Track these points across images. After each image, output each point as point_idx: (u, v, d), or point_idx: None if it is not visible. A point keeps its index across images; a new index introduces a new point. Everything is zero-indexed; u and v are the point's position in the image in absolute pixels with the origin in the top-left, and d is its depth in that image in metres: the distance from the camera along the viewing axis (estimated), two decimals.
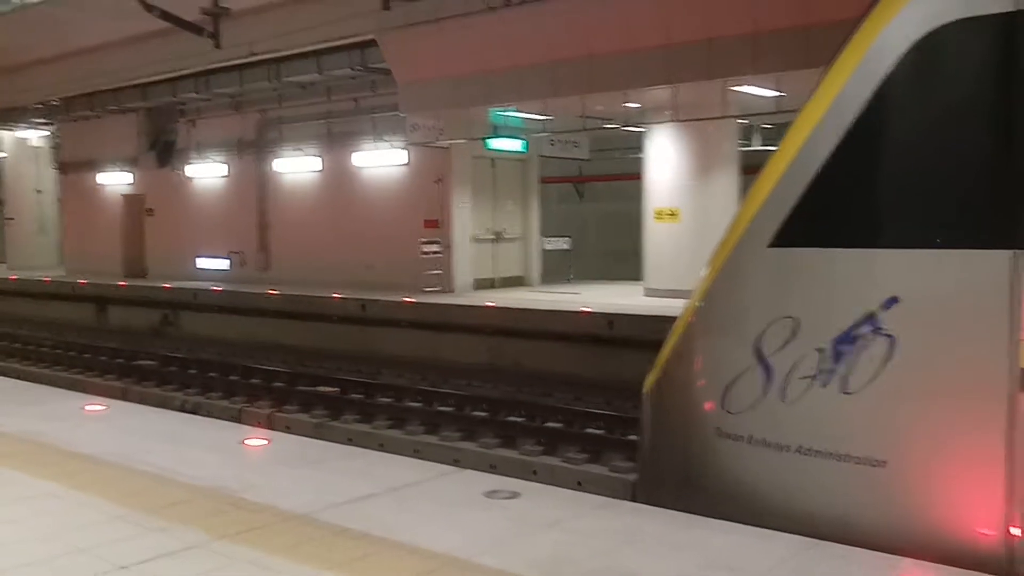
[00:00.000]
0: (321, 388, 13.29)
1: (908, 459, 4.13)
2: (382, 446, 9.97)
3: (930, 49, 4.04)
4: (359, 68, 17.61)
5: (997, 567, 3.86)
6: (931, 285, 4.04)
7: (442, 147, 17.49)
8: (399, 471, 5.25)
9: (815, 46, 10.26)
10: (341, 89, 19.25)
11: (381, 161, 18.93)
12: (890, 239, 4.25)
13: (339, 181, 19.89)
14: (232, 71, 19.76)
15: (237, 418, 11.69)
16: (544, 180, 20.76)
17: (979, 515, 3.94)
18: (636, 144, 17.17)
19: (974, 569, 3.70)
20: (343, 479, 5.03)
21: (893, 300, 4.10)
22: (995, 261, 3.84)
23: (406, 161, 18.49)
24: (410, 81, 16.13)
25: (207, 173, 22.72)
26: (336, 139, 19.79)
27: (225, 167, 22.29)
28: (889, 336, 4.10)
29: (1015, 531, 3.82)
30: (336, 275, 19.19)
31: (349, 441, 9.72)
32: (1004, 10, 3.82)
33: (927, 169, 4.15)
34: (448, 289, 17.68)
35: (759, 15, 11.58)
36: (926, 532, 4.05)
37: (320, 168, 20.24)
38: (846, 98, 4.27)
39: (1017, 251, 3.78)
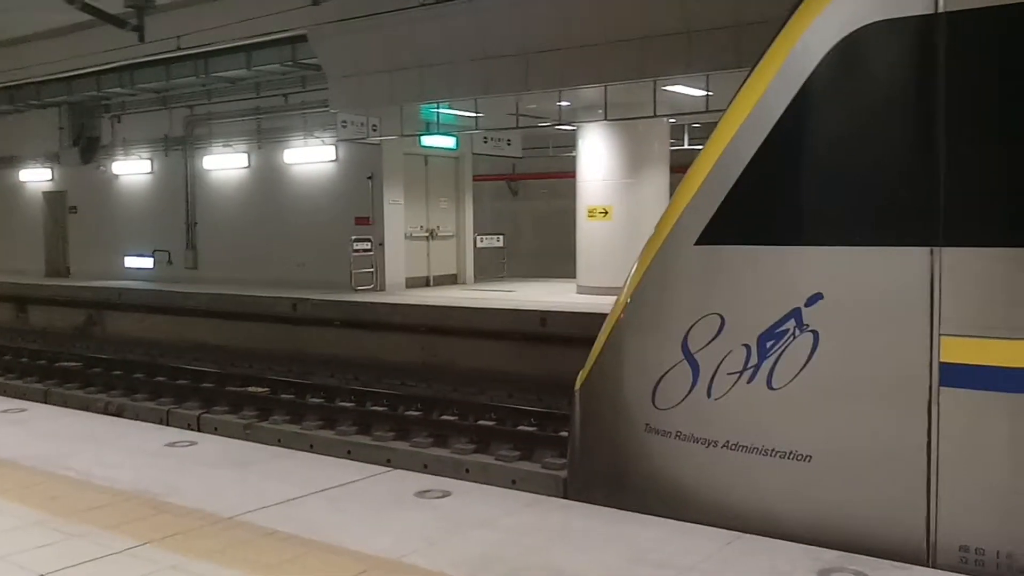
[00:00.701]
0: (251, 389, 13.08)
1: (832, 454, 4.21)
2: (313, 447, 9.87)
3: (851, 50, 4.12)
4: (289, 63, 17.37)
5: (918, 557, 3.96)
6: (853, 282, 4.13)
7: (374, 144, 17.35)
8: (330, 472, 5.18)
9: (745, 45, 10.45)
10: (271, 85, 18.97)
11: (312, 158, 18.70)
12: (813, 237, 4.33)
13: (269, 178, 19.60)
14: (158, 65, 19.30)
15: (164, 420, 11.44)
16: (477, 178, 20.74)
17: (901, 507, 4.04)
18: (569, 142, 17.26)
19: (896, 560, 3.80)
20: (272, 481, 4.94)
21: (816, 297, 4.18)
22: (915, 258, 3.94)
23: (336, 158, 18.30)
24: (341, 77, 15.96)
25: (133, 170, 22.18)
26: (265, 135, 19.50)
27: (151, 164, 21.78)
28: (813, 332, 4.18)
29: (934, 523, 3.93)
30: (266, 273, 18.91)
31: (279, 442, 9.59)
32: (924, 12, 3.92)
33: (849, 168, 4.24)
34: (380, 287, 17.55)
35: (692, 14, 11.72)
36: (849, 524, 4.14)
37: (249, 165, 19.91)
38: (770, 98, 4.34)
39: (935, 248, 3.88)
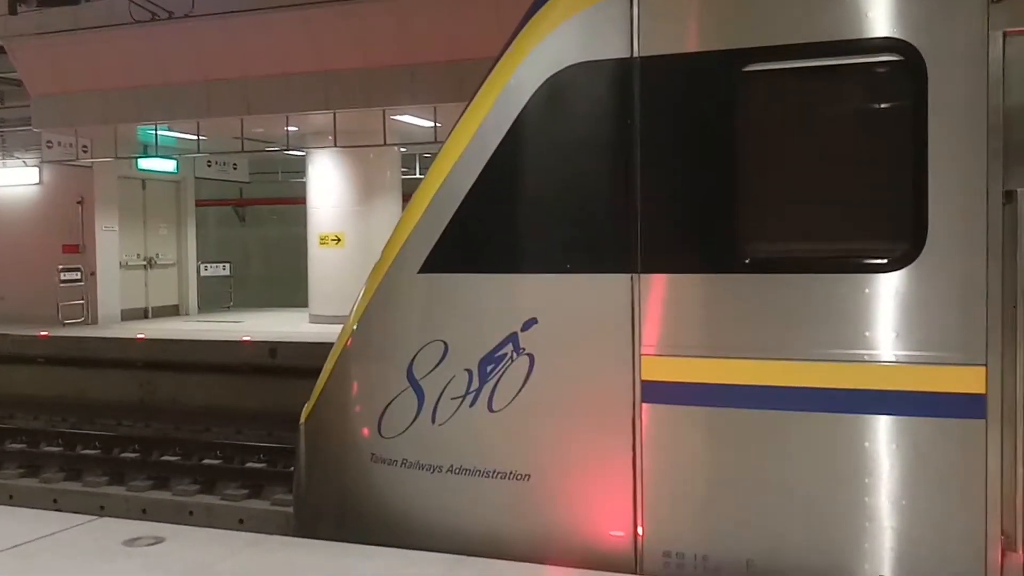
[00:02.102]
0: None
1: (548, 471, 4.37)
2: (12, 498, 8.94)
3: (557, 89, 4.35)
4: None
5: (628, 565, 4.20)
6: (564, 307, 4.34)
7: (84, 166, 16.11)
8: (30, 525, 4.67)
9: (466, 80, 10.78)
10: None
11: (10, 180, 17.04)
12: (528, 265, 4.50)
13: None
14: None
15: None
16: (201, 203, 19.83)
17: (611, 519, 4.27)
18: (299, 168, 16.95)
19: (609, 570, 4.01)
20: None
21: (532, 321, 4.35)
22: (617, 284, 4.21)
23: (40, 180, 16.80)
24: (46, 94, 14.70)
25: None
26: None
27: None
28: (529, 355, 4.34)
29: (640, 531, 4.19)
30: None
31: None
32: (620, 55, 4.22)
33: (558, 200, 4.45)
34: (92, 320, 16.26)
35: (413, 48, 11.95)
36: (567, 539, 4.31)
37: None
38: (485, 132, 4.48)
39: (635, 275, 4.17)
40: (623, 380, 4.16)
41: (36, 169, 16.69)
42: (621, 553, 4.22)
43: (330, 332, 11.60)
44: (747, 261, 4.01)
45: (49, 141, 15.36)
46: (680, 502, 4.14)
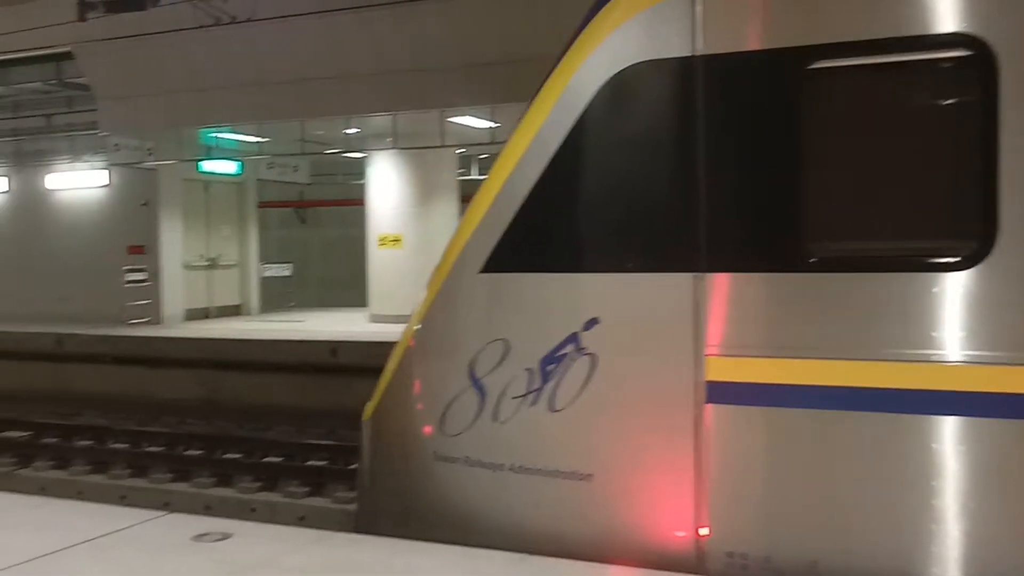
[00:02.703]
0: (8, 433, 11.97)
1: (611, 471, 4.37)
2: (81, 494, 9.18)
3: (620, 88, 4.35)
4: (53, 82, 16.21)
5: (690, 566, 4.18)
6: (626, 306, 4.33)
7: (150, 168, 16.48)
8: (100, 520, 4.80)
9: (523, 80, 10.79)
10: (32, 104, 17.61)
11: (79, 183, 17.50)
12: (589, 264, 4.51)
13: (30, 205, 18.17)
14: None
15: None
16: (263, 204, 20.16)
17: (673, 519, 4.25)
18: (359, 170, 17.15)
19: (671, 570, 3.99)
20: (28, 534, 4.52)
21: (594, 321, 4.35)
22: (681, 283, 4.19)
23: (107, 183, 17.23)
24: (113, 98, 15.08)
25: None
26: (26, 159, 18.05)
27: None
28: (591, 355, 4.34)
29: (703, 531, 4.16)
30: (26, 307, 17.42)
31: (42, 491, 8.84)
32: (682, 54, 4.20)
33: (620, 199, 4.45)
34: (156, 320, 16.63)
35: (469, 48, 11.99)
36: (628, 539, 4.31)
37: (7, 190, 18.36)
38: (547, 132, 4.50)
39: (698, 274, 4.14)
40: (686, 380, 4.14)
41: (106, 172, 17.10)
42: (684, 553, 4.19)
43: (389, 331, 11.74)
44: (813, 260, 3.97)
45: (116, 144, 15.74)
46: (744, 503, 4.10)
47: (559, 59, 4.60)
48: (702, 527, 4.16)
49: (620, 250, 4.39)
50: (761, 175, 4.11)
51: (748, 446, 4.08)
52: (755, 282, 4.10)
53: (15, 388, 15.08)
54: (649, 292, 4.27)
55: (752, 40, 4.10)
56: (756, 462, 4.07)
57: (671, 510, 4.24)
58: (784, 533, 4.01)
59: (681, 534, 4.21)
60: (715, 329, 4.11)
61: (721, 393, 4.11)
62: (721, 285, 4.11)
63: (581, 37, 4.50)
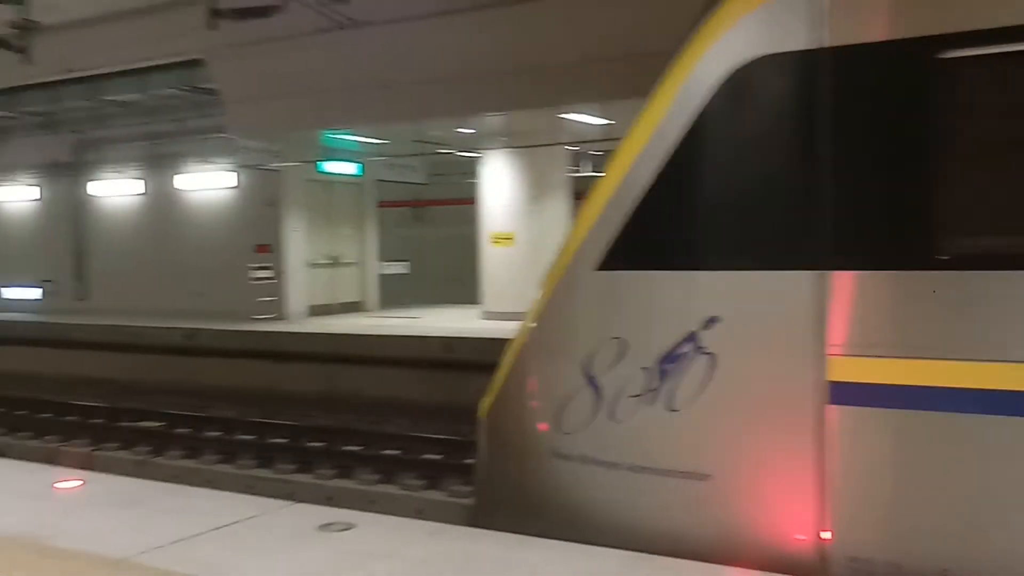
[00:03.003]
0: (144, 423, 12.62)
1: (730, 472, 4.31)
2: (211, 483, 9.57)
3: (739, 82, 4.27)
4: (185, 88, 16.99)
5: (812, 570, 4.08)
6: (746, 305, 4.26)
7: (274, 170, 17.09)
8: (229, 508, 5.03)
9: (640, 77, 10.70)
10: (165, 109, 18.51)
11: (209, 184, 18.30)
12: (709, 262, 4.45)
13: (164, 205, 19.09)
14: (45, 88, 18.63)
15: (50, 459, 10.92)
16: (382, 204, 20.63)
17: (795, 522, 4.16)
18: (473, 169, 17.37)
19: (792, 574, 3.90)
20: (166, 519, 4.76)
21: (713, 320, 4.29)
22: (804, 282, 4.09)
23: (235, 184, 17.95)
24: (239, 102, 15.70)
25: (16, 196, 21.27)
26: (160, 161, 19.00)
27: (37, 190, 20.94)
28: (710, 354, 4.28)
29: (825, 535, 4.06)
30: (161, 303, 18.35)
31: (175, 479, 9.27)
32: (808, 47, 4.10)
33: (740, 196, 4.38)
34: (281, 316, 17.23)
35: (586, 46, 11.96)
36: (747, 541, 4.23)
37: (143, 191, 19.35)
38: (665, 128, 4.46)
39: (821, 272, 4.04)
40: (809, 381, 4.04)
41: (233, 174, 17.82)
42: (805, 557, 4.10)
43: (502, 328, 11.85)
44: (944, 257, 3.81)
45: (243, 147, 16.37)
46: (869, 507, 3.97)
47: (678, 54, 4.55)
48: (824, 531, 4.06)
49: (740, 248, 4.32)
50: (890, 171, 3.98)
51: (873, 448, 3.96)
52: (882, 280, 3.96)
53: (151, 380, 15.89)
54: (770, 290, 4.19)
55: (883, 30, 3.96)
56: (882, 465, 3.94)
57: (792, 513, 4.14)
58: (913, 539, 3.87)
59: (802, 538, 4.11)
60: (838, 328, 4.00)
61: (844, 394, 3.99)
62: (845, 283, 3.99)
63: (700, 31, 4.44)
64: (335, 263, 18.91)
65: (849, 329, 3.99)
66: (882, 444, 3.95)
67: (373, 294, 19.79)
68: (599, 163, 17.09)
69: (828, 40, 4.02)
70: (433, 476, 9.49)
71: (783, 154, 4.27)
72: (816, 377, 4.03)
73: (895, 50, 3.91)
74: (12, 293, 21.17)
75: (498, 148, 15.59)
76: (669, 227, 4.55)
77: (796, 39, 4.11)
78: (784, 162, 4.25)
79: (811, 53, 4.06)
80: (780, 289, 4.15)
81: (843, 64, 4.00)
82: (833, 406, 4.01)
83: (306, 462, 10.46)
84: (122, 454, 11.29)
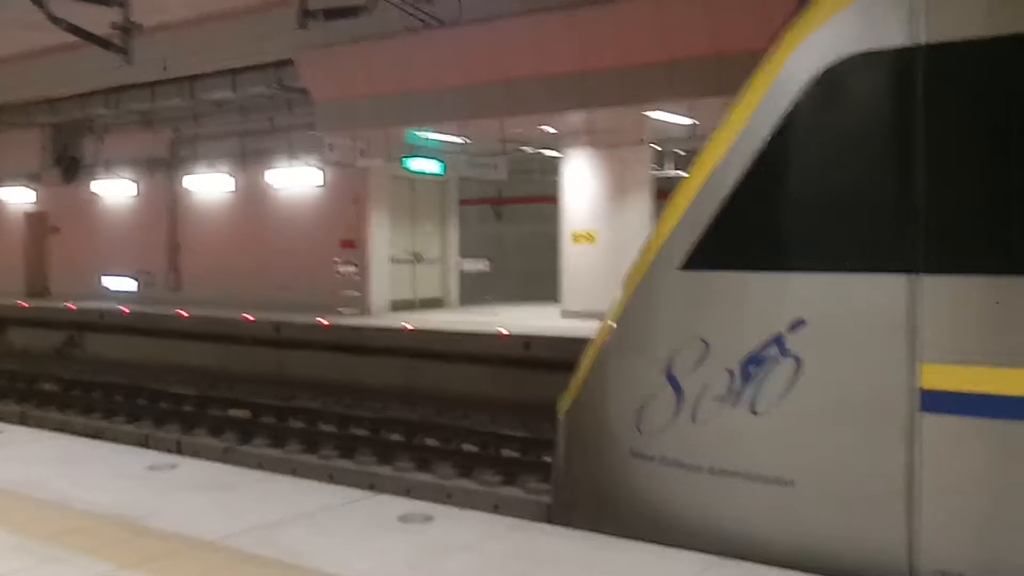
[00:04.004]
0: (232, 412, 12.99)
1: (815, 478, 4.22)
2: (295, 471, 9.80)
3: (832, 80, 4.18)
4: (275, 87, 17.41)
5: None
6: (835, 307, 4.16)
7: (360, 167, 17.38)
8: (312, 496, 5.15)
9: (726, 74, 10.56)
10: (257, 108, 18.99)
11: (297, 181, 18.71)
12: (796, 263, 4.37)
13: (254, 200, 19.58)
14: (144, 88, 19.31)
15: (143, 443, 11.34)
16: (463, 202, 20.78)
17: (882, 532, 4.05)
18: (554, 167, 17.36)
19: None
20: (253, 505, 4.90)
21: (799, 322, 4.21)
22: (894, 284, 3.98)
23: (322, 181, 18.31)
24: (327, 100, 16.01)
25: (116, 191, 22.10)
26: (251, 158, 19.51)
27: (135, 185, 21.72)
28: (796, 357, 4.20)
29: (915, 547, 3.94)
30: (250, 296, 18.85)
31: (260, 466, 9.53)
32: (903, 44, 3.99)
33: (830, 197, 4.28)
34: (365, 310, 17.51)
35: (673, 43, 11.84)
36: (831, 549, 4.14)
37: (234, 188, 19.90)
38: (753, 127, 4.39)
39: (913, 275, 3.92)
40: (900, 388, 3.93)
41: (319, 171, 18.19)
42: (892, 569, 3.99)
43: (581, 327, 11.82)
44: None
45: (330, 144, 16.68)
46: (962, 520, 3.85)
47: (768, 51, 4.48)
48: (913, 543, 3.95)
49: (830, 249, 4.23)
50: (990, 172, 3.84)
51: (968, 459, 3.83)
52: (980, 285, 3.83)
53: (240, 371, 16.33)
54: (860, 293, 4.09)
55: (983, 26, 3.83)
56: (977, 477, 3.81)
57: (879, 523, 4.04)
58: (1008, 554, 3.73)
59: (890, 549, 4.00)
60: (932, 334, 3.88)
61: (937, 402, 3.87)
62: (940, 287, 3.87)
63: (791, 29, 4.37)
64: (417, 259, 19.13)
65: (944, 335, 3.87)
66: (978, 455, 3.82)
67: (453, 290, 19.97)
68: (684, 162, 16.90)
69: (924, 37, 3.91)
70: (510, 472, 9.53)
71: (876, 154, 4.16)
72: (908, 384, 3.92)
73: (995, 47, 3.78)
74: (112, 284, 22.00)
75: (579, 147, 15.56)
76: (756, 227, 4.48)
77: (891, 36, 4.00)
78: (877, 162, 4.14)
79: (906, 51, 3.95)
80: (871, 292, 4.05)
81: (939, 62, 3.88)
82: (926, 414, 3.89)
83: (386, 455, 10.61)
84: (211, 440, 11.64)
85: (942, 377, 3.86)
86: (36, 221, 24.14)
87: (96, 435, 11.49)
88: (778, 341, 4.24)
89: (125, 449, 6.87)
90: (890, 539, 3.99)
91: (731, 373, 4.39)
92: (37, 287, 23.92)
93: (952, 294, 3.87)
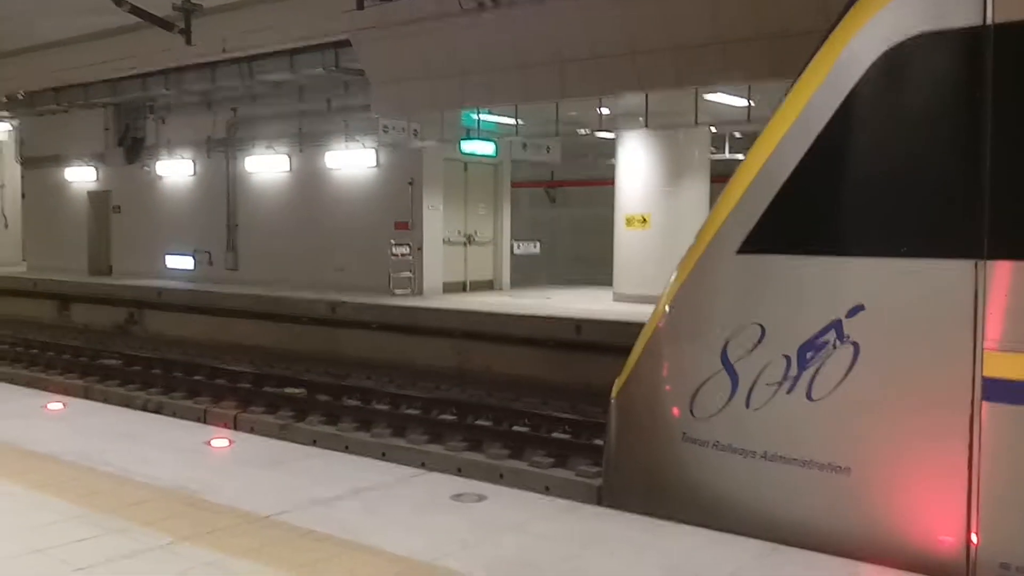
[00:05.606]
0: (287, 389, 13.19)
1: (872, 466, 4.16)
2: (348, 448, 9.92)
3: (896, 61, 4.09)
4: (332, 68, 17.52)
5: (956, 573, 3.90)
6: (896, 294, 4.08)
7: (414, 149, 17.45)
8: (365, 473, 5.22)
9: (782, 56, 10.37)
10: (314, 89, 19.15)
11: (352, 162, 18.84)
12: (856, 247, 4.29)
13: (310, 181, 19.77)
14: (203, 68, 19.58)
15: (201, 418, 11.57)
16: (516, 184, 20.76)
17: (940, 523, 3.98)
18: (609, 150, 17.22)
19: None
20: (307, 481, 4.98)
21: (858, 308, 4.14)
22: (959, 271, 3.89)
23: (377, 163, 18.42)
24: (383, 82, 16.08)
25: (176, 171, 22.50)
26: (307, 139, 19.68)
27: (194, 165, 22.09)
28: (854, 344, 4.14)
29: (974, 539, 3.87)
30: (305, 276, 19.08)
31: (314, 443, 9.64)
32: (971, 24, 3.88)
33: (893, 180, 4.19)
34: (418, 292, 17.62)
35: (726, 25, 11.66)
36: (888, 538, 4.08)
37: (290, 168, 20.12)
38: (814, 108, 4.31)
39: (979, 261, 3.83)
40: (961, 376, 3.85)
41: (374, 152, 18.30)
42: (950, 560, 3.92)
43: (633, 311, 11.75)
44: None
45: (385, 126, 16.74)
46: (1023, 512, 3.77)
47: (828, 33, 4.39)
48: (973, 534, 3.87)
49: (891, 234, 4.14)
50: None
51: None
52: None
53: (296, 349, 16.57)
54: (922, 279, 4.00)
55: None
56: None
57: (938, 513, 3.97)
58: None
59: (948, 540, 3.93)
60: (997, 321, 3.79)
61: (1001, 391, 3.78)
62: (1006, 273, 3.77)
63: (854, 8, 4.27)
64: (470, 241, 19.18)
65: (1009, 323, 3.77)
66: None
67: (505, 273, 19.98)
68: (741, 145, 16.67)
69: (991, 17, 3.79)
70: (561, 454, 9.53)
71: (941, 137, 4.06)
72: (970, 372, 3.84)
73: None
74: (173, 262, 22.44)
75: (636, 128, 15.41)
76: (815, 211, 4.41)
77: (959, 16, 3.90)
78: (942, 146, 4.04)
79: (975, 31, 3.84)
80: (933, 278, 3.97)
81: (1008, 42, 3.77)
82: (988, 403, 3.80)
83: (437, 433, 10.69)
84: (267, 417, 11.83)
85: (1006, 365, 3.76)
86: (99, 200, 24.69)
87: (157, 409, 11.76)
88: (836, 327, 4.17)
89: (184, 424, 7.03)
90: (949, 531, 3.92)
91: (787, 358, 4.33)
92: (100, 265, 24.49)
93: (1018, 281, 3.77)
